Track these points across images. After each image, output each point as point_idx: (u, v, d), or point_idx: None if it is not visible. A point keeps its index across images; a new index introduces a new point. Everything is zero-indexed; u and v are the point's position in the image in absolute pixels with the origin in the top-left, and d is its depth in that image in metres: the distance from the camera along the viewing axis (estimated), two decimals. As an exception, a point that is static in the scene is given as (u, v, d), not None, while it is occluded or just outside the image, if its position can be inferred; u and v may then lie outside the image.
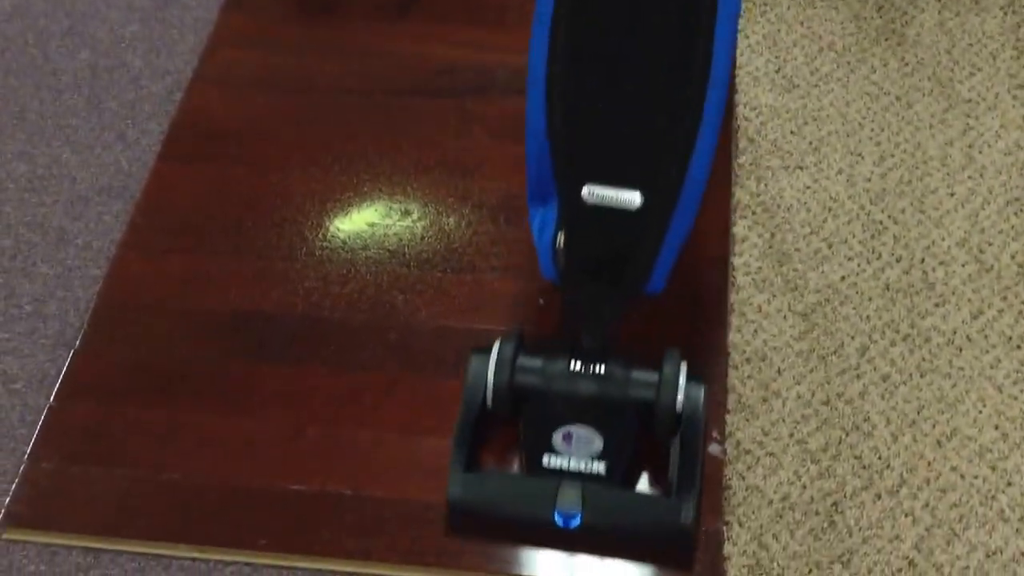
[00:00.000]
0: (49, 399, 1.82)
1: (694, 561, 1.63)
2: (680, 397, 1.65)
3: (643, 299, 1.66)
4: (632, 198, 1.53)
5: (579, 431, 1.66)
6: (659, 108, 1.53)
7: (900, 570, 1.61)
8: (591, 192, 1.54)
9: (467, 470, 1.66)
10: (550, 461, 1.65)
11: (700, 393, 1.67)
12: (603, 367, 1.67)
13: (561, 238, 1.59)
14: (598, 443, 1.65)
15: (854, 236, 1.98)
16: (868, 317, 1.87)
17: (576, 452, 1.65)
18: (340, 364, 1.85)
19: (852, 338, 1.85)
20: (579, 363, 1.67)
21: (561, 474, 1.64)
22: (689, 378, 1.67)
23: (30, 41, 2.39)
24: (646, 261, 1.60)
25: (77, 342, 1.89)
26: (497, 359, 1.68)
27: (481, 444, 1.73)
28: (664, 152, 1.54)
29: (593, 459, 1.64)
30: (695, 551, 1.65)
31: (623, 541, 1.66)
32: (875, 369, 1.81)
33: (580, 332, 1.67)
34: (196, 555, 1.66)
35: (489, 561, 1.65)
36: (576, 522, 1.62)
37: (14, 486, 1.72)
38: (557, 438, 1.66)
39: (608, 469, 1.64)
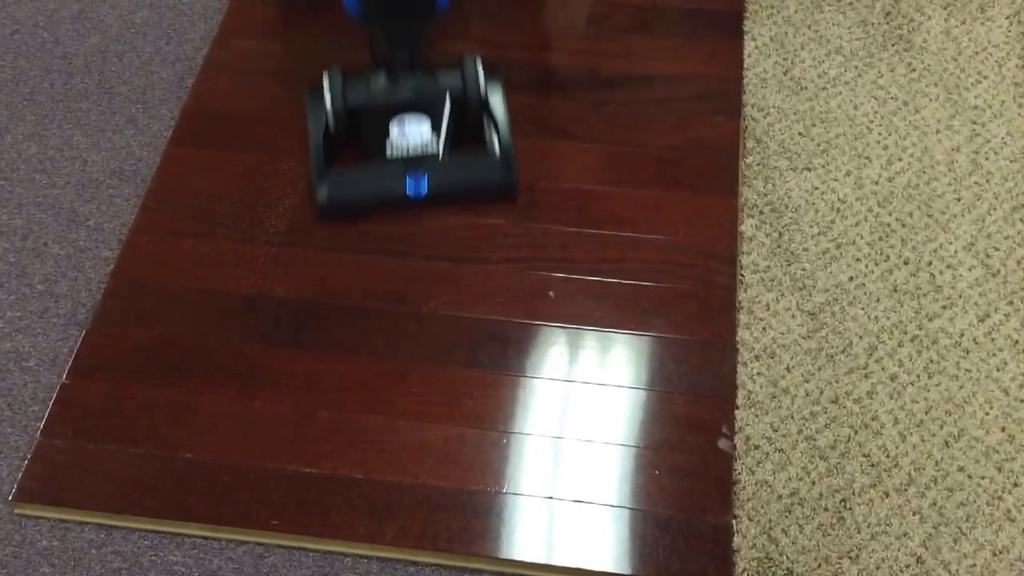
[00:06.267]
0: (61, 377, 1.82)
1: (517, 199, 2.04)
2: (482, 84, 2.02)
3: (439, 15, 1.98)
4: None
5: (409, 117, 2.00)
6: None
7: (908, 567, 1.63)
8: None
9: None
10: (392, 152, 2.00)
11: (499, 80, 2.04)
12: (417, 74, 2.03)
13: None
14: (426, 125, 2.00)
15: (862, 238, 1.99)
16: (876, 318, 1.89)
17: (410, 138, 1.99)
18: (351, 350, 1.86)
19: (860, 338, 1.87)
20: (396, 76, 2.02)
21: (403, 159, 1.99)
22: (487, 70, 2.04)
23: (40, 24, 2.39)
24: None
25: (89, 321, 1.89)
26: (330, 88, 2.00)
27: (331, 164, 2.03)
28: None
29: (425, 141, 1.99)
30: (518, 197, 2.04)
31: (464, 197, 2.02)
32: (883, 369, 1.83)
33: (391, 54, 2.00)
34: (208, 533, 1.67)
35: (500, 548, 1.66)
36: (424, 189, 1.98)
37: (27, 462, 1.73)
38: (393, 130, 2.00)
39: (439, 144, 1.99)
